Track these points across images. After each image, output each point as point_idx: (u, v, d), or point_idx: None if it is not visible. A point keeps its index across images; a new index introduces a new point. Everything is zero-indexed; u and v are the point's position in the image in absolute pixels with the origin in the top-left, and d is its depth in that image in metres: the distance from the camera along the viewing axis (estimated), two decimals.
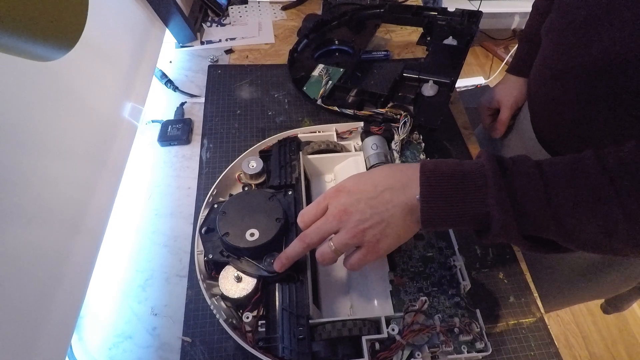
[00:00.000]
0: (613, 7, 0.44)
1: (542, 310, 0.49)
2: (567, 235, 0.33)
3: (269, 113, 0.70)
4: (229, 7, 0.92)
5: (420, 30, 0.79)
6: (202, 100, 0.71)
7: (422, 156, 0.57)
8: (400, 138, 0.57)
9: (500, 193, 0.33)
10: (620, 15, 0.43)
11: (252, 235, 0.44)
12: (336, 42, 0.79)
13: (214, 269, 0.46)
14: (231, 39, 0.85)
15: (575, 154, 0.34)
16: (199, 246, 0.47)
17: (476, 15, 0.74)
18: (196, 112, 0.70)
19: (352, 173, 0.54)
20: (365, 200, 0.37)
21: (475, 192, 0.34)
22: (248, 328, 0.42)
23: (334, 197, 0.39)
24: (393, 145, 0.57)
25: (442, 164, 0.36)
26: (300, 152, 0.55)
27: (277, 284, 0.43)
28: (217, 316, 0.42)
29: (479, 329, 0.42)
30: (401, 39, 0.87)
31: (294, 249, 0.40)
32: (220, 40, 0.84)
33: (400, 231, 0.38)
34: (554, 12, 0.56)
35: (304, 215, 0.41)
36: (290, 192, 0.49)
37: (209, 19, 0.89)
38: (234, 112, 0.69)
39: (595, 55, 0.47)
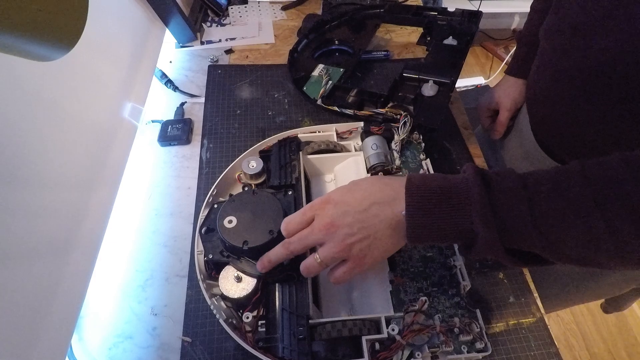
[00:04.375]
0: (613, 9, 0.44)
1: (542, 311, 0.49)
2: (552, 249, 0.33)
3: (269, 113, 0.70)
4: (229, 7, 0.92)
5: (420, 30, 0.79)
6: (202, 100, 0.71)
7: (422, 156, 0.57)
8: (400, 138, 0.57)
9: (484, 209, 0.33)
10: (620, 18, 0.43)
11: (230, 222, 0.44)
12: (336, 42, 0.79)
13: (214, 269, 0.46)
14: (231, 39, 0.85)
15: (561, 166, 0.34)
16: (199, 246, 0.47)
17: (476, 15, 0.74)
18: (196, 112, 0.70)
19: (352, 173, 0.55)
20: (352, 214, 0.37)
21: (459, 208, 0.34)
22: (248, 328, 0.42)
23: (321, 208, 0.39)
24: (393, 145, 0.57)
25: (428, 179, 0.36)
26: (300, 152, 0.55)
27: (277, 284, 0.43)
28: (217, 316, 0.42)
29: (479, 329, 0.42)
30: (401, 39, 0.87)
31: (276, 254, 0.40)
32: (220, 40, 0.84)
33: (386, 245, 0.38)
34: (553, 13, 0.56)
35: (289, 224, 0.41)
36: (290, 192, 0.49)
37: (209, 19, 0.89)
38: (234, 112, 0.69)
39: (594, 57, 0.47)
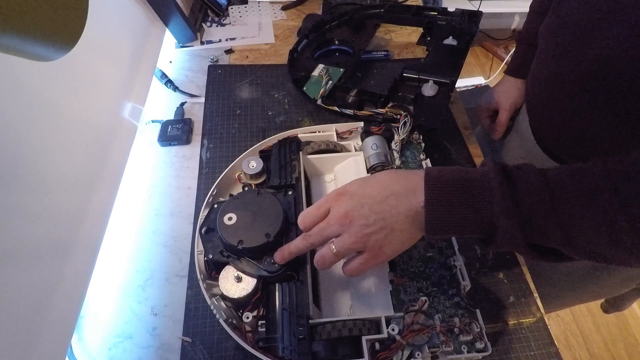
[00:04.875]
0: (613, 10, 0.44)
1: (542, 311, 0.49)
2: (572, 245, 0.33)
3: (269, 113, 0.70)
4: (229, 7, 0.92)
5: (420, 30, 0.79)
6: (202, 100, 0.71)
7: (422, 156, 0.57)
8: (400, 138, 0.57)
9: (506, 202, 0.33)
10: (619, 18, 0.43)
11: (229, 219, 0.44)
12: (336, 42, 0.79)
13: (214, 269, 0.46)
14: (231, 39, 0.85)
15: (582, 162, 0.33)
16: (199, 246, 0.47)
17: (476, 15, 0.74)
18: (196, 112, 0.70)
19: (352, 173, 0.55)
20: (369, 205, 0.37)
21: (480, 200, 0.34)
22: (248, 328, 0.42)
23: (336, 200, 0.39)
24: (393, 145, 0.57)
25: (447, 172, 0.36)
26: (300, 152, 0.55)
27: (277, 284, 0.43)
28: (217, 316, 0.42)
29: (479, 329, 0.42)
30: (401, 39, 0.87)
31: (296, 246, 0.40)
32: (220, 40, 0.84)
33: (403, 237, 0.37)
34: (552, 14, 0.56)
35: (305, 217, 0.40)
36: (290, 192, 0.49)
37: (209, 19, 0.89)
38: (234, 112, 0.69)
39: (593, 58, 0.47)
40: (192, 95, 0.73)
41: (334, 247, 0.38)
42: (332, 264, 0.40)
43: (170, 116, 0.69)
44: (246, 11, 0.92)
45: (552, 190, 0.33)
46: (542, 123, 0.63)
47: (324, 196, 0.41)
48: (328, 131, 0.60)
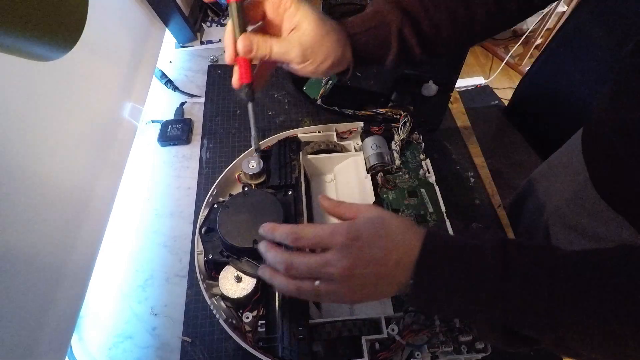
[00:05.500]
0: None
1: None
2: (565, 352, 0.31)
3: (269, 113, 0.70)
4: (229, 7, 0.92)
5: None
6: (202, 100, 0.71)
7: (422, 156, 0.57)
8: (400, 138, 0.57)
9: (492, 301, 0.30)
10: None
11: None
12: None
13: (213, 269, 0.46)
14: None
15: (603, 250, 0.30)
16: (199, 246, 0.47)
17: None
18: (196, 112, 0.70)
19: (352, 173, 0.55)
20: (373, 265, 0.33)
21: (464, 298, 0.31)
22: (248, 328, 0.42)
23: (346, 246, 0.33)
24: (393, 145, 0.57)
25: (444, 259, 0.33)
26: (300, 152, 0.55)
27: None
28: (217, 316, 0.42)
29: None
30: None
31: (280, 283, 0.35)
32: (220, 40, 0.84)
33: (382, 296, 0.35)
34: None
35: (301, 239, 0.35)
36: (290, 192, 0.49)
37: (209, 19, 0.89)
38: (234, 112, 0.69)
39: None
40: (192, 95, 0.73)
41: (320, 288, 0.34)
42: (296, 296, 0.36)
43: (170, 116, 0.69)
44: None
45: (551, 284, 0.29)
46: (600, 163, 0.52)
47: (332, 224, 0.35)
48: (328, 131, 0.60)
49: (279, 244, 0.36)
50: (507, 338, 0.32)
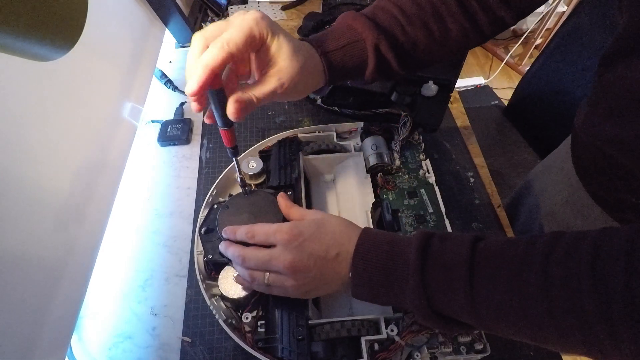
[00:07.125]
0: None
1: None
2: (488, 330, 0.33)
3: (269, 113, 0.70)
4: (229, 7, 0.92)
5: None
6: None
7: (422, 156, 0.57)
8: (400, 138, 0.57)
9: (416, 296, 0.33)
10: None
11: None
12: None
13: (213, 269, 0.46)
14: None
15: (535, 236, 0.31)
16: (199, 246, 0.47)
17: None
18: (196, 112, 0.70)
19: (352, 173, 0.55)
20: (315, 259, 0.38)
21: (396, 287, 0.35)
22: (247, 328, 0.42)
23: (288, 242, 0.38)
24: (393, 145, 0.57)
25: (373, 250, 0.37)
26: (300, 152, 0.55)
27: None
28: (217, 316, 0.42)
29: (478, 330, 0.42)
30: None
31: (230, 252, 0.41)
32: None
33: (332, 290, 0.40)
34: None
35: (254, 237, 0.40)
36: (290, 193, 0.49)
37: (209, 19, 0.89)
38: None
39: None
40: None
41: (268, 279, 0.39)
42: (254, 288, 0.41)
43: (170, 116, 0.69)
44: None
45: (471, 268, 0.32)
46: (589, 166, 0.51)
47: (278, 224, 0.40)
48: (328, 131, 0.60)
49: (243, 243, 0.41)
50: (442, 323, 0.34)
